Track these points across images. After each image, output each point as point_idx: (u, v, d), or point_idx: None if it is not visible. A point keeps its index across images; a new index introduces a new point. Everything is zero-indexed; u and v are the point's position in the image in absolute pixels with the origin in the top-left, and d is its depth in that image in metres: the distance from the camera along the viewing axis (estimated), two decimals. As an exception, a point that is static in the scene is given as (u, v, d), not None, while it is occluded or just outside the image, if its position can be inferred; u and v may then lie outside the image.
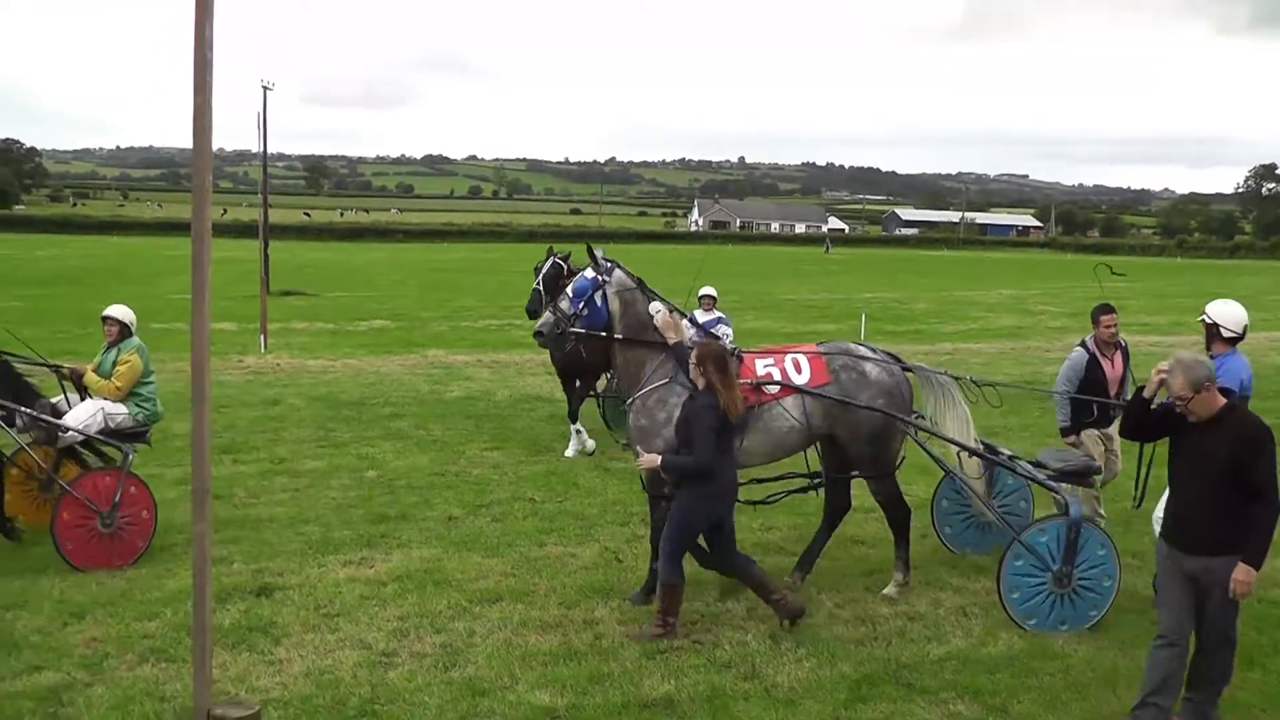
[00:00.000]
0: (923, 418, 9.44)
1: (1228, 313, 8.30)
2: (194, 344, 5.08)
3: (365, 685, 7.21)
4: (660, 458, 7.96)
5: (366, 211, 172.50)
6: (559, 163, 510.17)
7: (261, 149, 30.33)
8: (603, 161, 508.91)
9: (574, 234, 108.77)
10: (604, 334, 8.87)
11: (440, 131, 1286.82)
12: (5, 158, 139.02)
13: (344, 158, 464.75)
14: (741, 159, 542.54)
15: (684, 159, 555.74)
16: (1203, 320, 8.39)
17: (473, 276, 52.15)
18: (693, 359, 8.00)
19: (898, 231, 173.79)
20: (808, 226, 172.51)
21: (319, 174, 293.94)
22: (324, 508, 11.48)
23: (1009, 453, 9.60)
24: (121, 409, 9.93)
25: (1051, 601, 8.25)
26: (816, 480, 9.57)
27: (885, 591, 9.06)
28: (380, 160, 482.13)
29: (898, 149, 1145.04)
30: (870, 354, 9.18)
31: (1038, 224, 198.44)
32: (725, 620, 8.48)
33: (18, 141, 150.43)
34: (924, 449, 9.22)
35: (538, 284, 13.51)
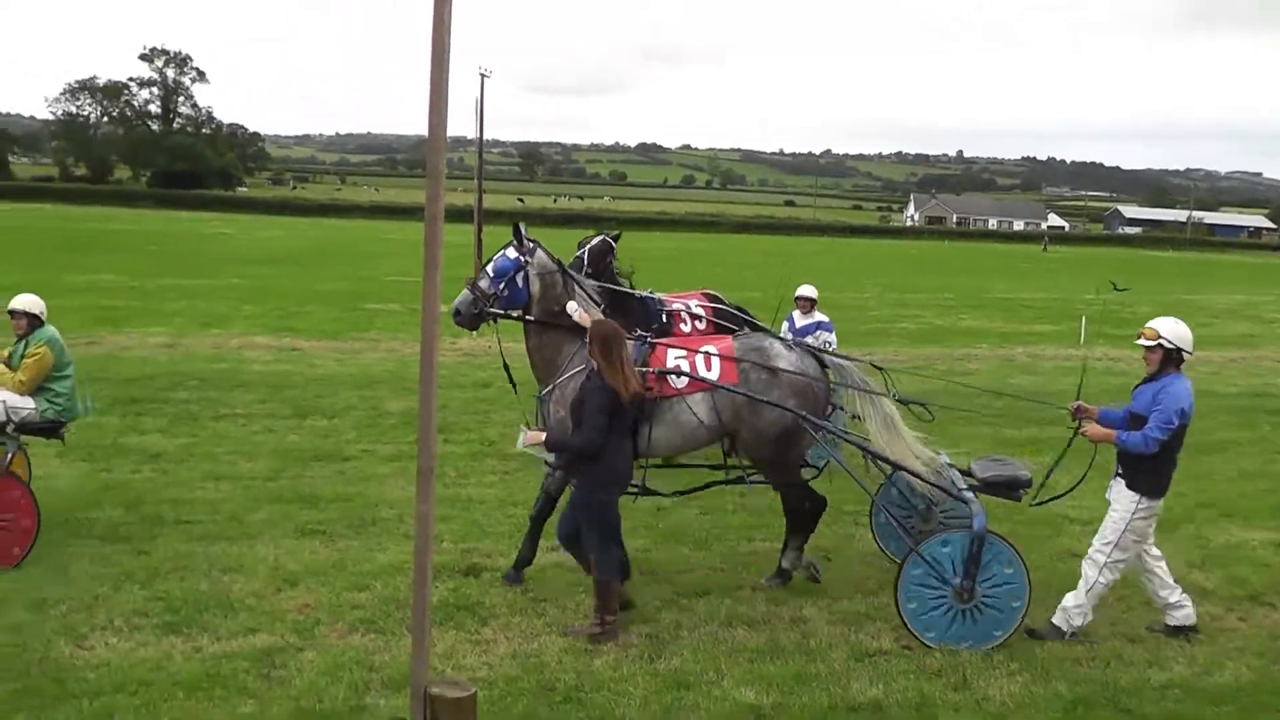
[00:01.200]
0: (855, 418, 9.33)
1: (1185, 333, 8.13)
2: (424, 325, 5.29)
3: (571, 672, 7.40)
4: (545, 435, 7.96)
5: (581, 199, 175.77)
6: (773, 154, 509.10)
7: (478, 135, 31.22)
8: (818, 153, 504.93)
9: (787, 226, 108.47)
10: (520, 316, 8.93)
11: (655, 119, 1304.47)
12: (231, 142, 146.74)
13: (559, 144, 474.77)
14: (960, 153, 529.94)
15: (900, 152, 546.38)
16: (1160, 344, 8.06)
17: (683, 266, 52.45)
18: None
19: (1120, 230, 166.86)
20: (1026, 223, 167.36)
21: (533, 160, 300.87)
22: (533, 491, 11.72)
23: (946, 460, 9.21)
24: (27, 403, 9.40)
25: (951, 616, 8.01)
26: (740, 475, 9.55)
27: (764, 579, 9.14)
28: (594, 148, 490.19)
29: (1122, 143, 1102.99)
30: (785, 351, 9.02)
31: (1271, 225, 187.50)
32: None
33: (242, 126, 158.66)
34: (833, 457, 8.93)
35: (581, 254, 13.28)
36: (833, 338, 13.80)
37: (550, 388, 8.85)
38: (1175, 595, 8.39)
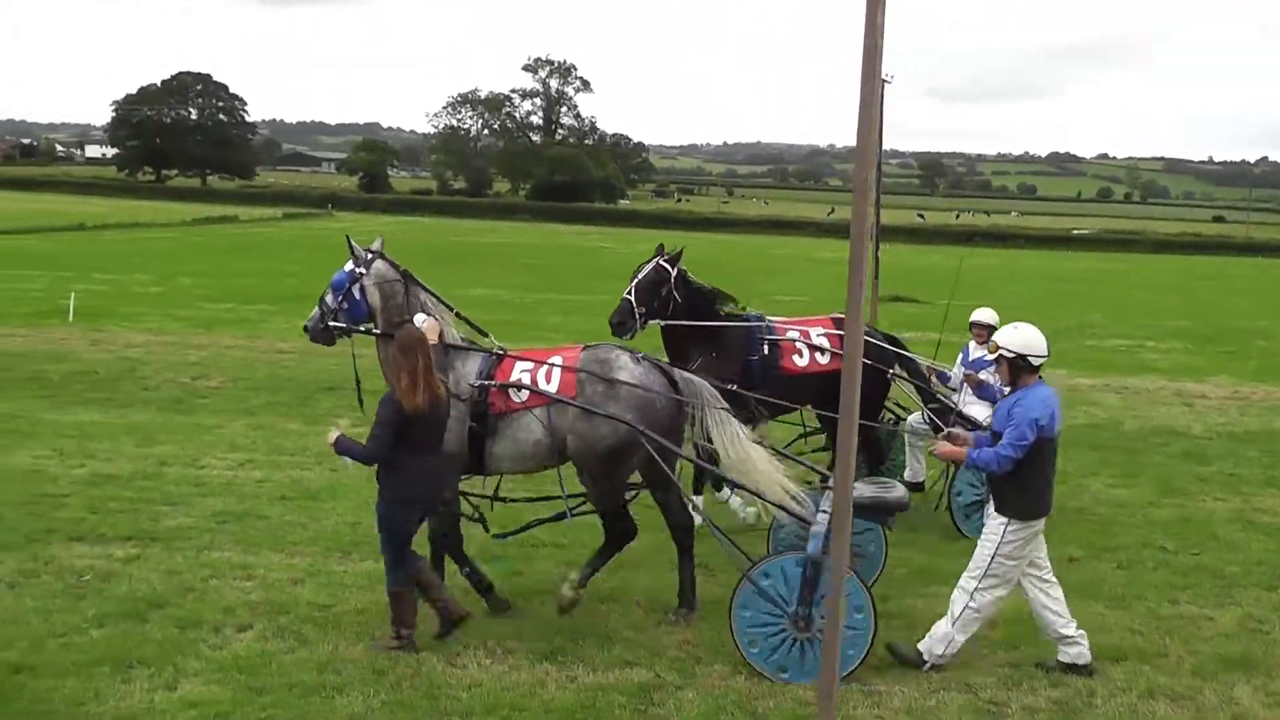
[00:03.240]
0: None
1: (1027, 339, 8.16)
2: (846, 348, 5.32)
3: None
4: (337, 435, 8.15)
5: (986, 214, 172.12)
6: (1200, 162, 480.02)
7: (878, 145, 31.17)
8: (1252, 161, 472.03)
9: (1214, 245, 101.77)
10: (366, 329, 9.32)
11: (1068, 126, 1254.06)
12: (613, 153, 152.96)
13: (961, 155, 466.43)
14: None
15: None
16: (1000, 354, 8.16)
17: (1097, 288, 50.40)
18: None
19: None
20: None
21: (934, 173, 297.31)
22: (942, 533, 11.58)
23: (827, 475, 8.88)
24: None
25: (789, 645, 7.99)
26: (575, 506, 9.38)
27: (565, 588, 8.87)
28: (1001, 158, 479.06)
29: None
30: (629, 364, 9.04)
31: None
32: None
33: (626, 137, 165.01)
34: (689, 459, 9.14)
35: (628, 293, 11.54)
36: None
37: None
38: (1070, 629, 8.24)
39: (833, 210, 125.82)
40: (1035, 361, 8.11)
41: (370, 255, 9.46)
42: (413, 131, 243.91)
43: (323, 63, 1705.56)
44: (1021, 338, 8.15)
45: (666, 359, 10.84)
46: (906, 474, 12.93)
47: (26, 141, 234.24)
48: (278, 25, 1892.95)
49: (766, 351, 11.64)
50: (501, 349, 9.39)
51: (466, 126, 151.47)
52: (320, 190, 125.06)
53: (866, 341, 11.32)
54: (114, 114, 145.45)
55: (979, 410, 11.99)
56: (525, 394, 8.93)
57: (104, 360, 20.37)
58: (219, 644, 8.29)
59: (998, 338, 8.27)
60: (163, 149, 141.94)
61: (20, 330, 23.62)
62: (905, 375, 12.43)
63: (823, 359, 11.74)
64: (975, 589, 8.10)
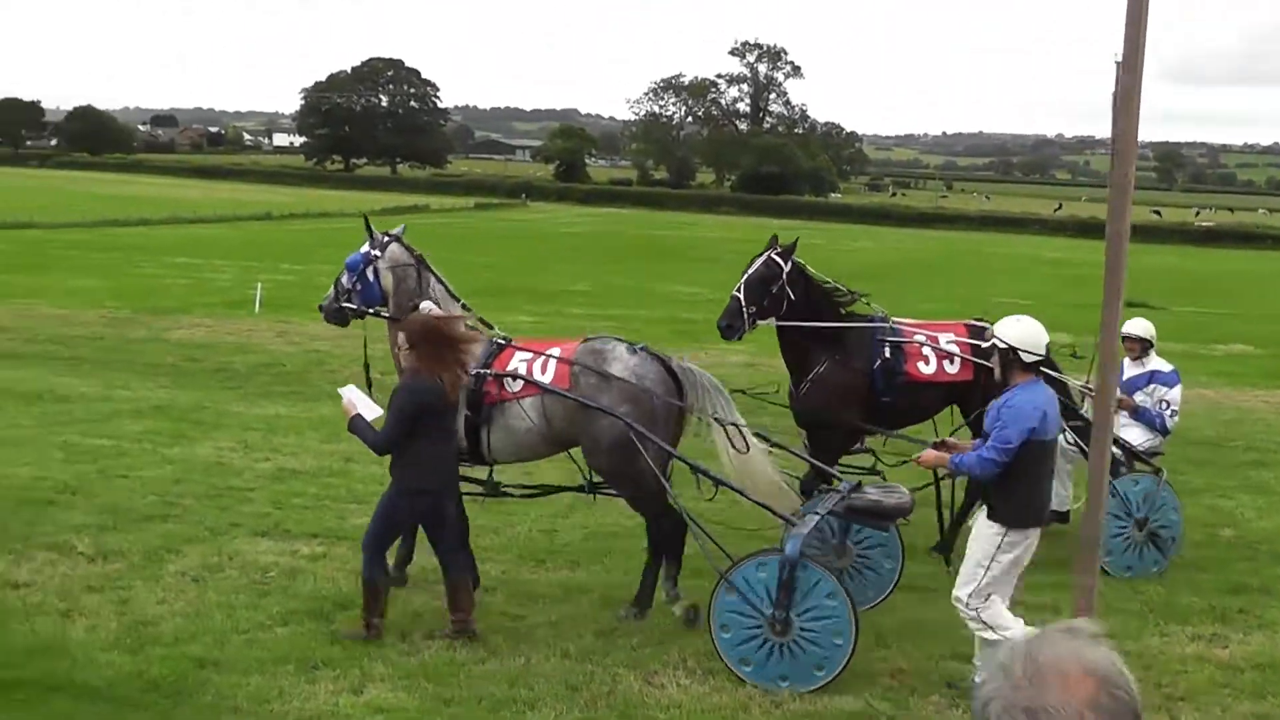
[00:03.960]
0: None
1: (1024, 333, 8.00)
2: (1101, 358, 5.17)
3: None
4: (353, 415, 8.55)
5: (1230, 211, 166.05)
6: None
7: (1112, 135, 30.30)
8: None
9: None
10: (374, 312, 9.90)
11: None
12: (824, 143, 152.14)
13: (1203, 145, 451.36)
14: None
15: None
16: (994, 344, 8.05)
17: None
18: None
19: None
20: None
21: (1172, 164, 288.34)
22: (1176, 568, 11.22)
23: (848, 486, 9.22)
24: None
25: (768, 650, 8.10)
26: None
27: (674, 608, 9.23)
28: (1247, 149, 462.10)
29: None
30: (624, 355, 9.34)
31: None
32: None
33: (838, 126, 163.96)
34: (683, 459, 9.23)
35: (737, 290, 11.01)
36: (1174, 394, 11.89)
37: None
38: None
39: (1060, 206, 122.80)
40: (1027, 359, 7.93)
41: (387, 239, 10.04)
42: (611, 118, 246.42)
43: (518, 47, 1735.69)
44: (1018, 330, 7.99)
45: (784, 363, 11.00)
46: (1054, 503, 12.39)
47: (214, 130, 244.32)
48: (471, 8, 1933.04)
49: (888, 355, 11.09)
50: (505, 338, 9.80)
51: (669, 114, 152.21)
52: (514, 179, 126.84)
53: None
54: (303, 102, 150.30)
55: (1135, 434, 11.60)
56: (519, 384, 9.32)
57: (290, 353, 21.07)
58: (407, 650, 8.46)
59: (996, 326, 8.22)
60: (352, 137, 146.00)
61: (206, 320, 24.55)
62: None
63: (952, 367, 11.22)
64: (970, 597, 7.91)
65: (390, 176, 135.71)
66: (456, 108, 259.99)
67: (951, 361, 11.14)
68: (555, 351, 9.45)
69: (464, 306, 9.95)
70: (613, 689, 7.94)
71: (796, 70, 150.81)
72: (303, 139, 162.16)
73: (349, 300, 9.98)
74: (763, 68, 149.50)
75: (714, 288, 36.73)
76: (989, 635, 7.83)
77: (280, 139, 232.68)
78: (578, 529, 11.59)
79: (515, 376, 9.32)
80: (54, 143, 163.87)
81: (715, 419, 9.30)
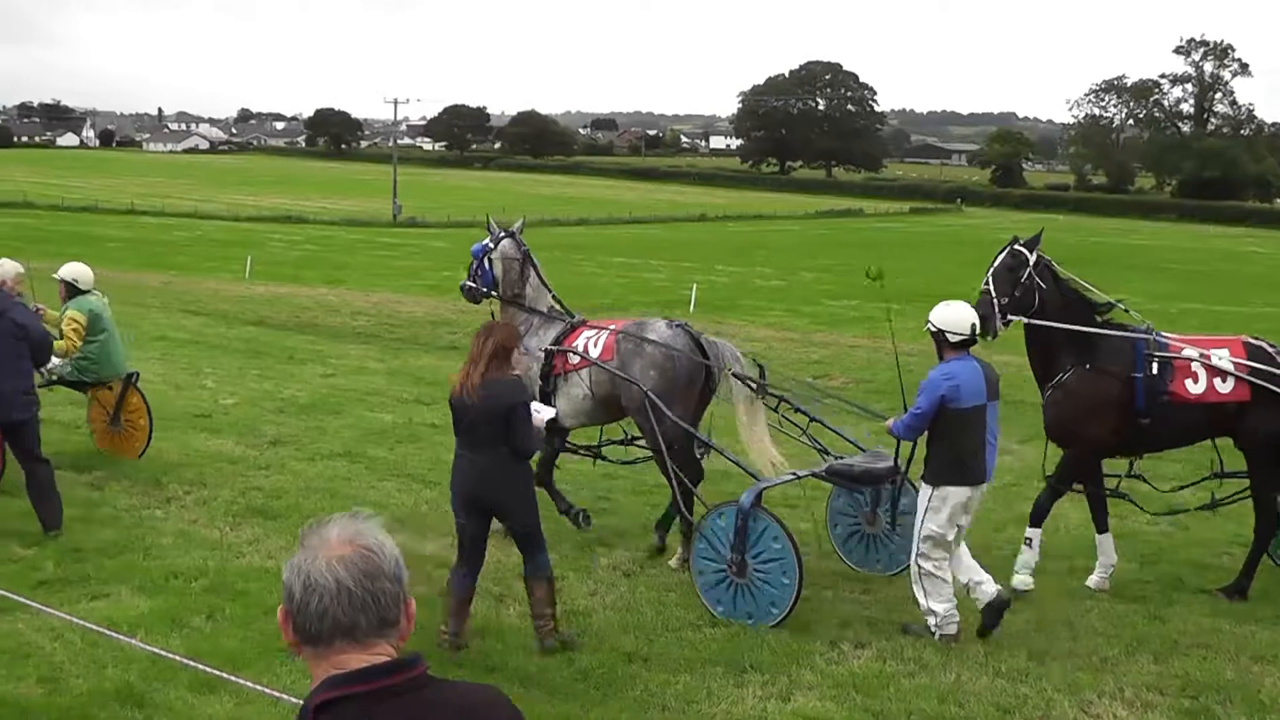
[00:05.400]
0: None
1: (950, 316, 8.83)
2: None
3: None
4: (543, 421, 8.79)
5: None
6: None
7: None
8: None
9: None
10: (487, 293, 11.28)
11: None
12: (1270, 145, 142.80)
13: None
14: None
15: None
16: (927, 329, 8.89)
17: None
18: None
19: None
20: None
21: None
22: None
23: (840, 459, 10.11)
24: (60, 361, 12.08)
25: (733, 591, 9.05)
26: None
27: (671, 563, 10.38)
28: None
29: None
30: (661, 328, 10.52)
31: None
32: None
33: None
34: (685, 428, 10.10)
35: (986, 283, 10.22)
36: None
37: None
38: (978, 574, 8.85)
39: None
40: (952, 338, 8.81)
41: (502, 234, 11.36)
42: (1050, 121, 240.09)
43: (956, 49, 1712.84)
44: (943, 314, 8.87)
45: (1030, 365, 10.49)
46: None
47: (653, 133, 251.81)
48: (911, 10, 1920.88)
49: (1155, 371, 10.04)
50: (581, 319, 11.14)
51: (1109, 116, 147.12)
52: (949, 184, 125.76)
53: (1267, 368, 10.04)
54: (740, 105, 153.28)
55: None
56: (577, 357, 10.56)
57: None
58: (835, 659, 8.39)
59: (932, 313, 8.94)
60: (787, 140, 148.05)
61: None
62: None
63: (1224, 386, 9.99)
64: (918, 556, 8.78)
65: (825, 179, 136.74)
66: (893, 111, 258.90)
67: (1224, 380, 10.00)
68: (611, 327, 10.73)
69: (554, 296, 11.37)
70: (1046, 714, 7.60)
71: (1245, 68, 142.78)
72: (739, 141, 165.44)
73: (473, 281, 11.43)
74: (1208, 66, 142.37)
75: (1152, 298, 35.31)
76: (924, 599, 8.77)
77: (717, 141, 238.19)
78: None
79: (572, 352, 10.62)
80: (498, 146, 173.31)
81: (734, 375, 10.50)
